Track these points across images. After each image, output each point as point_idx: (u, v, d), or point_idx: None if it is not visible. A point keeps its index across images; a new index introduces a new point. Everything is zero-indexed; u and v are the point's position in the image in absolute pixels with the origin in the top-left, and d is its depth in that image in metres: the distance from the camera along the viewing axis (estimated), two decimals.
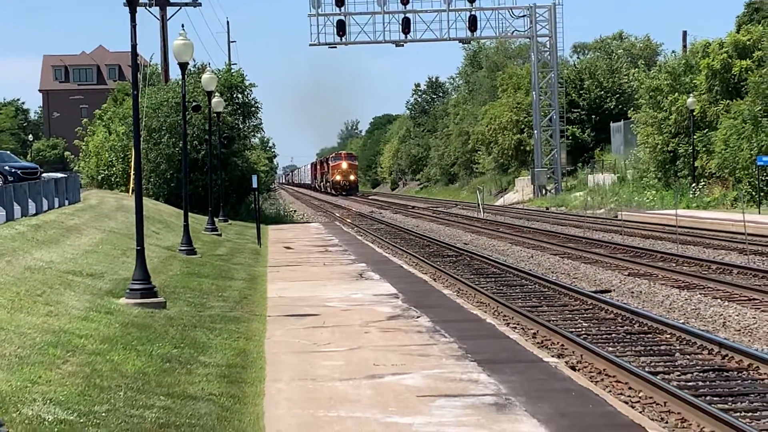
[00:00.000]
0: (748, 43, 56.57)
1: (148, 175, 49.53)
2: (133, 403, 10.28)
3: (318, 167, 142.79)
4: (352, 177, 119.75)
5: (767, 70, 52.60)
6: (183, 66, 28.95)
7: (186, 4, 55.44)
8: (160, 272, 21.38)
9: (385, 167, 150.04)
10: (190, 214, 29.30)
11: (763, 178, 49.15)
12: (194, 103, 41.92)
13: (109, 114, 63.98)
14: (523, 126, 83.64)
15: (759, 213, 44.49)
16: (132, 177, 36.85)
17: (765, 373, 13.88)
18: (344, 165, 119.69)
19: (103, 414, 9.66)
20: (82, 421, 9.35)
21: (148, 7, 53.11)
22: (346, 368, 13.03)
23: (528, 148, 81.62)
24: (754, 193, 48.75)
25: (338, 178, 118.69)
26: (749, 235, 32.31)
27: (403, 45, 71.60)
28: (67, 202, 35.39)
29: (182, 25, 28.16)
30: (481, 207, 62.94)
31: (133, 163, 20.98)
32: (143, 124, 47.28)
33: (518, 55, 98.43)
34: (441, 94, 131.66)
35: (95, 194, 46.64)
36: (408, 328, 16.12)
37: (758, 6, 65.55)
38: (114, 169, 56.33)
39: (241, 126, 55.18)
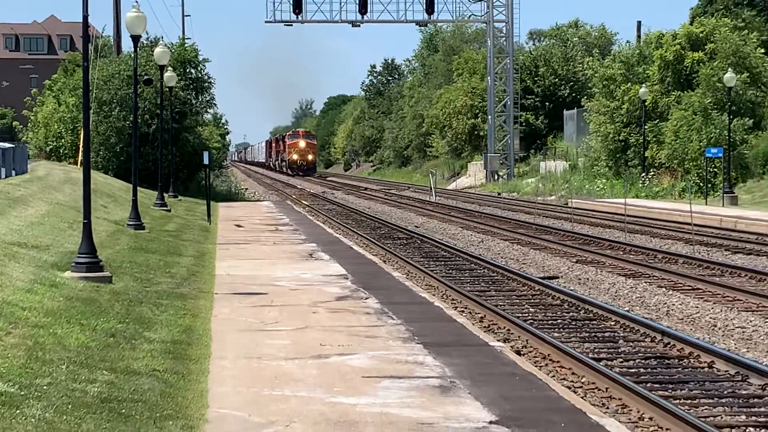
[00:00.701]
0: (701, 35, 57.04)
1: (97, 148, 49.04)
2: (75, 377, 10.21)
3: (274, 145, 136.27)
4: (310, 156, 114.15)
5: (719, 63, 53.08)
6: (135, 39, 28.66)
7: None
8: (107, 246, 21.22)
9: (339, 148, 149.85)
10: (139, 188, 29.10)
11: (711, 170, 49.64)
12: (146, 77, 41.51)
13: (59, 85, 63.30)
14: (477, 111, 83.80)
15: (706, 204, 44.95)
16: (81, 149, 36.52)
17: (705, 362, 14.05)
18: (302, 144, 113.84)
19: (45, 387, 9.59)
20: (23, 393, 9.28)
21: None
22: (293, 348, 13.02)
23: (482, 133, 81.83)
24: (701, 184, 49.26)
25: (295, 157, 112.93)
26: (695, 225, 32.63)
27: (359, 25, 71.49)
28: (14, 172, 35.06)
29: None
30: (433, 190, 63.06)
31: (82, 136, 20.81)
32: (94, 96, 46.83)
33: (475, 39, 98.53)
34: (396, 77, 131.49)
35: (43, 166, 46.20)
36: (356, 309, 16.13)
37: None
38: (63, 140, 55.75)
39: (193, 101, 54.84)
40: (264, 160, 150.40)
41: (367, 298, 17.24)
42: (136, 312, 14.56)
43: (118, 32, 56.48)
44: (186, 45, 55.46)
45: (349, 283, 19.33)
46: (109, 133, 49.84)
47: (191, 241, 27.34)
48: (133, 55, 31.16)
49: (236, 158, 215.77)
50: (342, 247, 27.33)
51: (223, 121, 71.13)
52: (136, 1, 27.38)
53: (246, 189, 71.42)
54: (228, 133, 72.04)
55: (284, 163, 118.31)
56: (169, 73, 42.47)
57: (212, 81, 55.72)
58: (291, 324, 14.71)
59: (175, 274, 19.67)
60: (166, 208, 36.69)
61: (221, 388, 10.75)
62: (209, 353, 12.55)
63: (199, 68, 54.80)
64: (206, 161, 36.82)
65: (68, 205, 28.22)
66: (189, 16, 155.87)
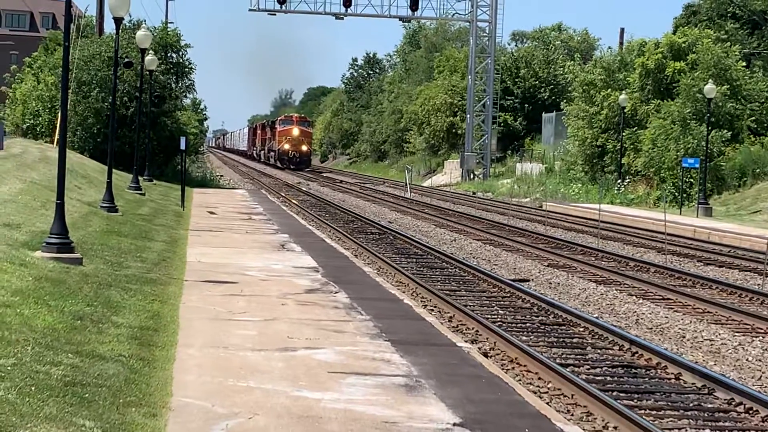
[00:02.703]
0: (683, 45, 57.21)
1: (74, 128, 48.78)
2: (40, 358, 10.13)
3: (259, 132, 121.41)
4: (304, 147, 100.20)
5: (700, 74, 53.26)
6: (118, 21, 28.48)
7: None
8: (79, 228, 21.10)
9: (316, 139, 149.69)
10: (114, 171, 28.94)
11: (687, 180, 49.83)
12: (126, 59, 41.34)
13: (39, 63, 62.94)
14: (456, 109, 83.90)
15: (680, 214, 45.11)
16: (58, 128, 36.29)
17: (672, 373, 14.08)
18: (295, 131, 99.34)
19: (9, 368, 9.51)
20: None
21: None
22: (260, 339, 12.97)
23: (460, 132, 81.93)
24: (677, 193, 49.43)
25: (287, 147, 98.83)
26: (669, 234, 32.75)
27: (343, 18, 71.45)
28: None
29: None
30: (408, 186, 63.05)
31: (59, 115, 20.64)
32: (73, 76, 46.55)
33: (457, 38, 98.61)
34: (377, 71, 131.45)
35: (19, 143, 45.89)
36: (325, 302, 16.10)
37: (696, 9, 66.28)
38: (40, 119, 55.45)
39: (173, 86, 54.70)
40: (245, 149, 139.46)
41: (336, 292, 17.21)
42: (104, 295, 14.48)
43: (101, 13, 56.18)
44: (168, 29, 55.32)
45: (319, 276, 19.29)
46: (86, 114, 49.61)
47: (164, 226, 27.22)
48: (114, 36, 30.99)
49: (213, 144, 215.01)
50: (314, 239, 27.28)
51: (202, 106, 71.00)
52: None
53: (221, 176, 71.23)
54: (206, 119, 71.92)
55: (272, 154, 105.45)
56: (150, 57, 42.26)
57: (193, 66, 55.69)
58: (259, 315, 14.66)
59: (146, 258, 19.58)
60: (140, 192, 36.53)
61: (186, 377, 10.70)
62: (176, 340, 12.49)
63: (180, 53, 54.70)
64: (183, 146, 36.70)
65: (42, 184, 28.04)
66: (173, 0, 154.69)
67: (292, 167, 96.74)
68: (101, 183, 32.09)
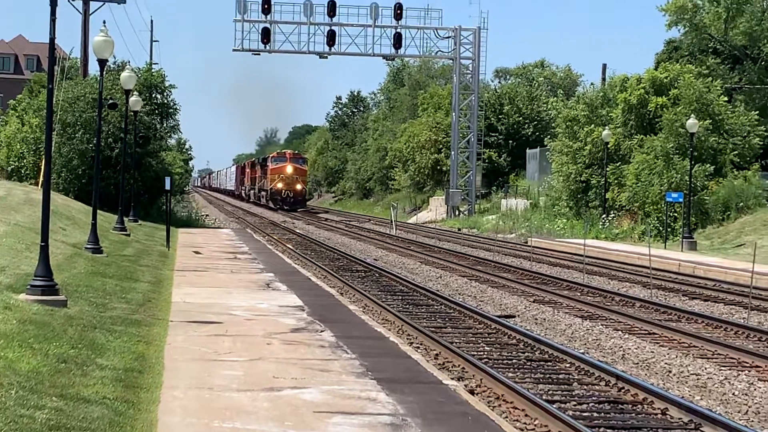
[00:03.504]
0: (665, 80, 57.60)
1: (59, 169, 48.78)
2: (24, 402, 10.08)
3: (248, 171, 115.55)
4: (298, 186, 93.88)
5: (682, 109, 53.58)
6: (102, 62, 28.58)
7: (110, 0, 54.85)
8: (63, 270, 21.05)
9: None
10: (99, 212, 28.93)
11: (671, 215, 49.99)
12: (111, 101, 41.37)
13: (24, 105, 62.99)
14: (441, 146, 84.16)
15: (665, 248, 45.22)
16: (42, 170, 36.22)
17: (659, 408, 14.07)
18: (289, 169, 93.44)
19: None
20: None
21: (70, 0, 52.44)
22: (245, 379, 12.93)
23: (444, 169, 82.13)
24: (661, 228, 49.57)
25: (280, 186, 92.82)
26: (654, 269, 32.81)
27: (327, 57, 71.74)
28: None
29: (104, 22, 27.89)
30: (394, 224, 63.09)
31: (44, 157, 20.63)
32: (58, 118, 46.59)
33: (441, 75, 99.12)
34: (362, 109, 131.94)
35: (3, 186, 45.76)
36: (311, 341, 16.06)
37: (677, 44, 66.75)
38: (25, 161, 55.36)
39: (158, 126, 54.80)
40: (233, 189, 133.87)
41: (322, 331, 17.17)
42: (89, 337, 14.43)
43: (85, 55, 56.34)
44: (153, 70, 55.46)
45: (305, 314, 19.25)
46: (71, 155, 49.59)
47: (149, 267, 27.17)
48: (99, 78, 31.05)
49: (199, 184, 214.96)
50: (300, 277, 27.25)
51: (186, 146, 71.07)
52: (105, 25, 27.32)
53: (207, 215, 71.17)
54: (191, 158, 71.97)
55: (264, 194, 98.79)
56: (134, 98, 42.36)
57: (178, 107, 55.85)
58: (245, 355, 14.62)
59: (131, 299, 19.52)
60: (125, 233, 36.48)
61: (171, 419, 10.65)
62: (161, 382, 12.44)
63: (165, 93, 54.81)
64: (168, 186, 36.70)
65: (27, 226, 27.99)
66: (157, 41, 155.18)
67: (285, 208, 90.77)
68: (86, 224, 32.05)
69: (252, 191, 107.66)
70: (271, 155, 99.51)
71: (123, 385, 11.85)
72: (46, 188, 17.82)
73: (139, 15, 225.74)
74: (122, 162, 42.55)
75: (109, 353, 13.67)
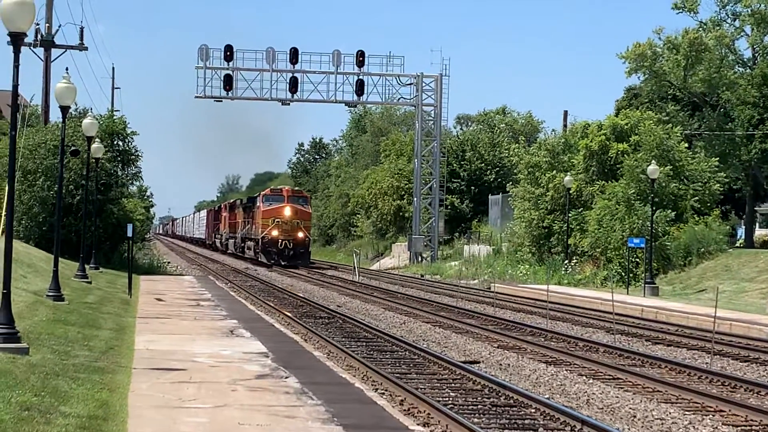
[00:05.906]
0: (625, 127, 58.21)
1: (20, 217, 48.43)
2: None
3: (225, 215, 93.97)
4: (300, 234, 72.82)
5: (643, 155, 54.08)
6: (64, 109, 28.54)
7: (71, 47, 54.77)
8: (25, 317, 20.87)
9: None
10: (61, 259, 28.74)
11: (633, 260, 50.27)
12: (73, 148, 41.28)
13: None
14: (403, 192, 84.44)
15: (627, 293, 45.42)
16: (3, 218, 36.00)
17: None
18: (287, 211, 72.60)
19: None
20: None
21: (32, 48, 52.31)
22: (210, 426, 12.84)
23: (407, 215, 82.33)
24: (623, 273, 49.82)
25: (275, 233, 72.17)
26: (616, 314, 32.94)
27: (289, 104, 71.90)
28: None
29: (66, 69, 27.84)
30: (357, 270, 63.03)
31: (5, 205, 20.52)
32: (19, 165, 46.35)
33: (403, 122, 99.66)
34: (324, 155, 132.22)
35: None
36: (276, 388, 15.98)
37: (637, 92, 67.47)
38: None
39: (119, 173, 54.58)
40: (202, 237, 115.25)
41: (287, 377, 17.09)
42: (52, 385, 14.28)
43: (46, 101, 56.12)
44: (115, 117, 55.34)
45: (269, 361, 19.16)
46: (32, 203, 49.30)
47: (111, 314, 26.98)
48: (61, 125, 30.96)
49: (161, 231, 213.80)
50: (263, 324, 27.14)
51: (148, 193, 70.75)
52: (67, 72, 27.29)
53: (168, 262, 70.80)
54: (153, 205, 71.56)
55: (251, 244, 77.96)
56: (96, 145, 42.23)
57: (139, 154, 55.62)
58: (210, 401, 14.52)
59: (93, 347, 19.36)
60: (87, 280, 36.24)
61: None
62: (125, 430, 12.32)
63: (126, 140, 54.64)
64: (129, 233, 36.55)
65: None
66: (119, 88, 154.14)
67: (283, 263, 71.35)
68: (47, 272, 31.82)
69: (231, 240, 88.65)
70: (262, 193, 77.56)
71: None
72: (8, 236, 17.69)
73: (100, 62, 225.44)
74: (84, 209, 42.35)
75: (73, 401, 13.54)
